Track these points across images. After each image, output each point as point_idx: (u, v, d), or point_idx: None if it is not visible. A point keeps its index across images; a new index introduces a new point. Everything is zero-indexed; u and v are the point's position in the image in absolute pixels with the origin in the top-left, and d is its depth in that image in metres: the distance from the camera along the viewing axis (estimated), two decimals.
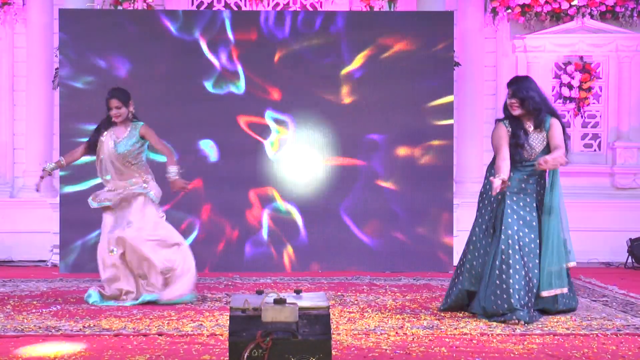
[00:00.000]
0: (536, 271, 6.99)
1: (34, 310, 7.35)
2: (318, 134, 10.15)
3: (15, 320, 6.91)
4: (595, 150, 11.71)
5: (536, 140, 7.03)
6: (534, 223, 7.07)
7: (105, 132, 7.75)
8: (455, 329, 6.57)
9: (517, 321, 6.70)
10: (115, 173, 7.72)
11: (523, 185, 7.07)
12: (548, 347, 5.95)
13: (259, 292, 4.92)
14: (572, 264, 7.26)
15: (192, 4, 11.51)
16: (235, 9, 11.30)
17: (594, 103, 11.62)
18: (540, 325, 6.70)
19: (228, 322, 4.68)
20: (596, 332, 6.45)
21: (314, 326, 4.63)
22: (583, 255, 10.87)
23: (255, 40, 10.14)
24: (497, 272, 6.89)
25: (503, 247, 6.90)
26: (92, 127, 9.39)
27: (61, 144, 10.04)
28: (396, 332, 6.41)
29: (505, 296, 6.82)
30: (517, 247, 6.90)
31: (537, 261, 7.00)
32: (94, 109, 9.71)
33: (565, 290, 7.18)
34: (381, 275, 9.73)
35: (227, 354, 4.63)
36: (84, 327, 6.63)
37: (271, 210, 10.16)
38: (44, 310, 7.40)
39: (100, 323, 6.77)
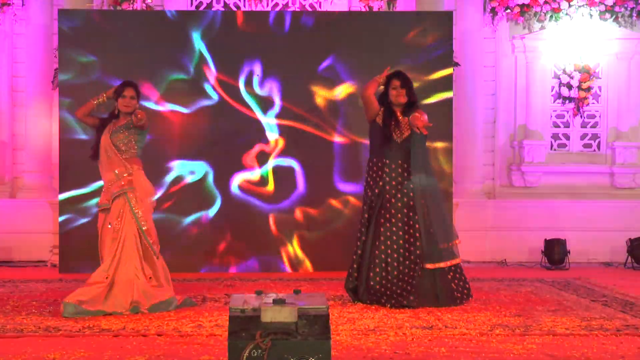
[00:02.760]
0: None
1: (33, 311, 7.35)
2: (312, 134, 10.14)
3: (15, 320, 6.91)
4: (594, 150, 11.71)
5: (404, 126, 7.78)
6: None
7: (109, 126, 7.60)
8: (455, 328, 6.57)
9: None
10: (107, 162, 7.54)
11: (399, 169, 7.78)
12: (547, 347, 5.95)
13: (258, 293, 4.92)
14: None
15: (191, 4, 11.51)
16: (234, 9, 11.30)
17: (593, 103, 11.62)
18: (540, 326, 6.71)
19: (227, 322, 4.68)
20: (596, 332, 6.45)
21: (314, 326, 4.63)
22: (583, 255, 10.92)
23: (255, 41, 10.13)
24: None
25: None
26: (92, 128, 9.44)
27: (60, 144, 10.05)
28: (395, 332, 6.41)
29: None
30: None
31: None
32: (94, 109, 9.76)
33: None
34: None
35: (227, 354, 4.63)
36: (83, 327, 6.63)
37: (272, 210, 10.15)
38: (43, 310, 7.41)
39: (100, 323, 6.77)
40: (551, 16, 11.37)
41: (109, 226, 7.50)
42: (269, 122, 10.14)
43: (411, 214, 7.65)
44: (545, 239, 10.75)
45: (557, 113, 11.66)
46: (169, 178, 10.04)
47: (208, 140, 10.12)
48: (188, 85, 10.08)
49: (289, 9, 11.20)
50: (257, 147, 10.15)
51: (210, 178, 10.11)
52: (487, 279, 9.45)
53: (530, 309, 7.48)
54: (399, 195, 7.69)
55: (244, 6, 11.37)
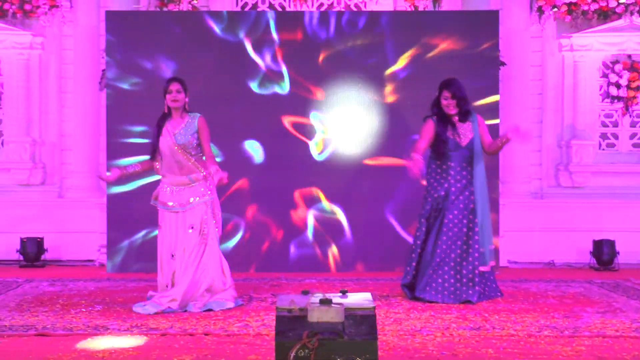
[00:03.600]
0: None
1: (82, 310, 7.43)
2: (363, 134, 10.14)
3: (64, 319, 6.99)
4: None
5: (465, 129, 8.04)
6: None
7: (163, 130, 7.62)
8: (502, 329, 6.53)
9: None
10: (177, 167, 7.56)
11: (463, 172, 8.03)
12: (597, 349, 5.89)
13: (305, 293, 4.92)
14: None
15: (237, 4, 11.54)
16: (280, 9, 11.32)
17: None
18: (589, 327, 6.64)
19: (274, 322, 4.69)
20: None
21: (360, 326, 4.63)
22: (632, 257, 10.79)
23: (300, 40, 10.16)
24: None
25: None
26: (139, 128, 9.52)
27: (108, 145, 10.14)
28: (442, 333, 6.39)
29: None
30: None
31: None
32: (140, 109, 9.85)
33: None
34: None
35: (274, 354, 4.64)
36: (131, 326, 6.69)
37: (316, 211, 10.16)
38: (92, 309, 7.48)
39: (148, 322, 6.83)
40: (599, 14, 11.24)
41: (190, 231, 7.52)
42: (317, 123, 10.14)
43: (471, 216, 7.93)
44: (594, 240, 10.64)
45: (606, 112, 11.52)
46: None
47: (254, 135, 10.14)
48: (234, 85, 10.10)
49: (334, 9, 11.19)
50: (309, 146, 10.16)
51: (256, 176, 10.13)
52: (535, 280, 9.37)
53: (579, 311, 7.41)
54: (461, 197, 7.92)
55: (289, 6, 11.38)
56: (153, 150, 7.70)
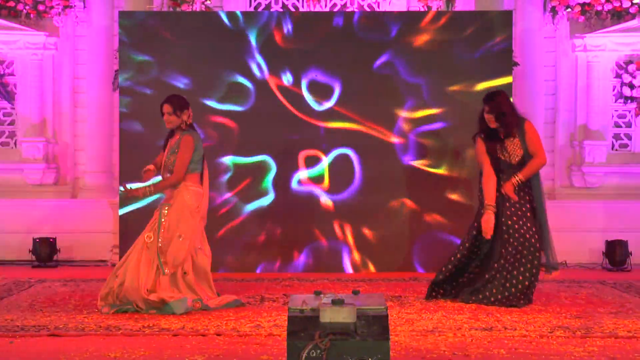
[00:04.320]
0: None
1: (95, 310, 7.44)
2: (378, 132, 10.13)
3: (77, 319, 7.00)
4: None
5: (513, 146, 7.76)
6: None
7: (166, 146, 7.77)
8: (515, 330, 6.52)
9: None
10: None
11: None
12: (609, 350, 5.87)
13: (317, 293, 4.92)
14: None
15: (250, 4, 11.55)
16: (293, 9, 11.33)
17: None
18: (602, 328, 6.62)
19: (286, 322, 4.69)
20: None
21: (372, 327, 4.62)
22: None
23: (313, 40, 10.15)
24: None
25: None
26: (152, 128, 9.57)
27: (121, 145, 10.16)
28: (454, 333, 6.38)
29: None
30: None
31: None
32: (154, 110, 9.81)
33: None
34: None
35: (285, 354, 4.64)
36: (143, 327, 6.70)
37: (328, 210, 10.15)
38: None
39: (160, 323, 6.84)
40: (613, 15, 11.21)
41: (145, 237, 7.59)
42: (327, 124, 10.14)
43: (527, 226, 7.70)
44: (607, 240, 10.61)
45: (619, 113, 11.49)
46: (226, 178, 10.09)
47: (265, 141, 10.14)
48: (247, 86, 10.11)
49: (347, 9, 11.19)
50: (313, 148, 10.15)
51: (269, 180, 10.13)
52: (547, 280, 9.32)
53: (592, 311, 7.39)
54: (513, 210, 7.70)
55: (302, 7, 11.39)
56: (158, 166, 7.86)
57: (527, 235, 7.65)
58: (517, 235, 7.64)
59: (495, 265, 7.70)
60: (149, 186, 7.63)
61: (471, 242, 7.88)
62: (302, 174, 10.16)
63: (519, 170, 7.70)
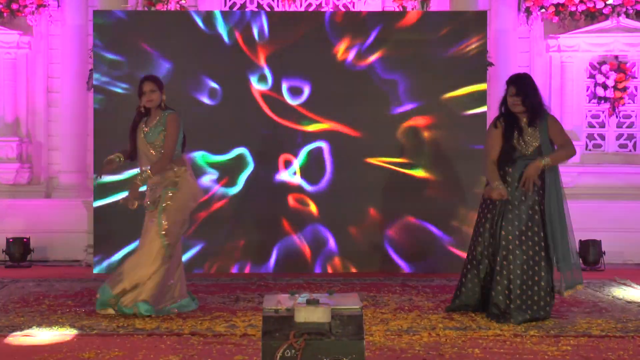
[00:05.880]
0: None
1: (68, 310, 7.41)
2: (352, 132, 10.12)
3: (51, 319, 6.97)
4: (630, 150, 11.60)
5: (531, 137, 7.24)
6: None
7: (138, 128, 7.52)
8: (489, 329, 6.55)
9: None
10: (148, 164, 7.39)
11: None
12: (583, 349, 5.91)
13: (292, 293, 4.92)
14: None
15: (225, 4, 11.53)
16: (268, 9, 11.31)
17: (629, 103, 11.51)
18: (575, 327, 6.66)
19: (261, 322, 4.68)
20: (632, 334, 6.41)
21: (347, 327, 4.62)
22: (618, 257, 10.82)
23: (288, 41, 10.13)
24: None
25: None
26: (126, 127, 9.49)
27: (95, 145, 10.10)
28: (429, 333, 6.40)
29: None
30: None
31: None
32: (128, 109, 9.79)
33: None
34: (414, 276, 9.70)
35: (260, 354, 4.64)
36: (117, 327, 6.68)
37: (303, 210, 10.14)
38: (78, 309, 7.46)
39: (134, 323, 6.82)
40: (586, 15, 11.28)
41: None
42: (302, 125, 10.14)
43: (536, 228, 7.13)
44: (580, 240, 10.65)
45: (592, 113, 11.57)
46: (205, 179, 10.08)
47: (241, 139, 10.11)
48: (223, 85, 10.08)
49: (322, 9, 11.19)
50: (290, 148, 10.14)
51: (243, 177, 10.11)
52: None
53: (565, 311, 7.43)
54: (523, 207, 7.12)
55: (277, 6, 11.38)
56: (131, 149, 7.56)
57: (530, 252, 7.07)
58: (511, 247, 7.06)
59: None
60: (144, 171, 7.31)
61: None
62: (282, 174, 10.13)
63: (530, 159, 7.16)
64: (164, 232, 7.24)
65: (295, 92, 10.13)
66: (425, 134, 10.13)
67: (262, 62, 10.08)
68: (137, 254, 7.36)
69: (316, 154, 10.13)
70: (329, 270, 10.04)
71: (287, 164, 10.12)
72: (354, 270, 10.04)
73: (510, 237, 7.06)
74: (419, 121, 10.12)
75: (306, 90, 10.12)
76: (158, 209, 7.29)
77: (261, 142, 10.12)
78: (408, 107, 10.11)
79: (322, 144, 10.13)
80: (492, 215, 7.24)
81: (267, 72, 10.08)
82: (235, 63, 10.07)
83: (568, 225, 7.27)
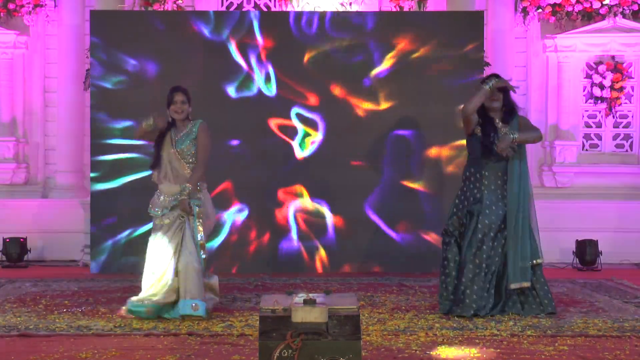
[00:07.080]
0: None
1: (65, 310, 7.40)
2: (348, 134, 10.12)
3: (47, 319, 6.97)
4: (627, 150, 11.61)
5: (502, 133, 7.33)
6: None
7: (166, 137, 7.34)
8: (486, 329, 6.55)
9: None
10: (172, 175, 7.27)
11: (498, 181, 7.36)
12: (579, 349, 5.91)
13: (289, 293, 4.92)
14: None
15: (222, 4, 11.53)
16: (265, 9, 11.31)
17: (625, 103, 11.51)
18: (572, 327, 6.66)
19: (258, 322, 4.69)
20: (629, 334, 6.41)
21: (344, 327, 4.63)
22: (615, 257, 10.82)
23: (285, 41, 10.14)
24: None
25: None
26: (123, 128, 9.50)
27: (92, 145, 10.09)
28: (426, 333, 6.40)
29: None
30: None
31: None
32: (125, 109, 9.83)
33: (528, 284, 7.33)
34: (411, 276, 9.69)
35: (257, 354, 4.64)
36: (114, 327, 6.68)
37: (301, 211, 10.14)
38: (75, 309, 7.46)
39: (131, 323, 6.81)
40: (583, 16, 11.28)
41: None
42: (300, 124, 10.14)
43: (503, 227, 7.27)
44: (577, 240, 10.67)
45: (589, 113, 11.57)
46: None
47: (239, 140, 10.12)
48: (219, 85, 10.08)
49: (319, 9, 11.18)
50: (290, 145, 10.14)
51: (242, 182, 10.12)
52: None
53: (562, 311, 7.43)
54: (494, 208, 7.25)
55: (274, 6, 11.38)
56: (155, 158, 7.40)
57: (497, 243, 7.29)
58: (490, 243, 7.26)
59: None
60: (185, 187, 7.17)
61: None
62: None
63: (504, 160, 7.30)
64: (201, 242, 7.23)
65: (293, 93, 10.13)
66: (422, 133, 10.13)
67: (259, 61, 10.08)
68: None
69: (313, 156, 10.15)
70: (328, 270, 10.04)
71: (287, 164, 10.13)
72: (351, 270, 10.04)
73: (486, 231, 7.23)
74: (415, 122, 10.12)
75: (303, 93, 10.12)
76: (191, 219, 7.22)
77: (261, 142, 10.12)
78: (406, 108, 10.12)
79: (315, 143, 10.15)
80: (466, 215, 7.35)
81: (263, 72, 10.09)
82: (236, 63, 10.07)
83: (533, 224, 7.54)
